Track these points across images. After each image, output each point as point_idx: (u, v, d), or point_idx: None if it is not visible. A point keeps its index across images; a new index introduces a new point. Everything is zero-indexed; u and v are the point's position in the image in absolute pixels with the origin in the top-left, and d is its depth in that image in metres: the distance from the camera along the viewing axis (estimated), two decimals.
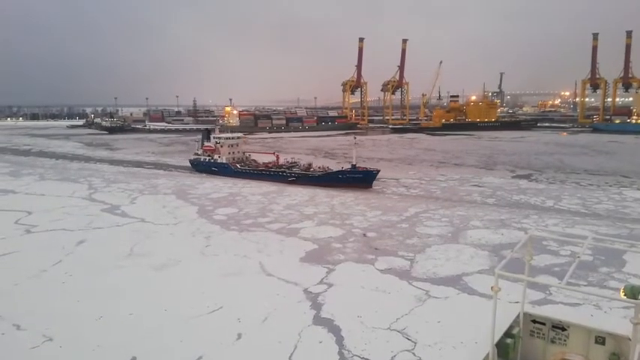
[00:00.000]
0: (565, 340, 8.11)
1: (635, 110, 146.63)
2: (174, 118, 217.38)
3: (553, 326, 8.22)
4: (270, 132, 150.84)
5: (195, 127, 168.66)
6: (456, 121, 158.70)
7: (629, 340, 6.93)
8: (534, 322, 8.39)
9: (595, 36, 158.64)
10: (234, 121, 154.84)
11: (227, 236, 29.09)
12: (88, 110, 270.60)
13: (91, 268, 22.96)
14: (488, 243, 27.15)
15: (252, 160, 64.60)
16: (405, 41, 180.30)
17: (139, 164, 74.09)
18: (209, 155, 64.36)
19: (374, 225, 31.71)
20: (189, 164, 68.10)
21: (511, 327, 8.02)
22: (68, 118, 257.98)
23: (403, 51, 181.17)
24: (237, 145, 66.08)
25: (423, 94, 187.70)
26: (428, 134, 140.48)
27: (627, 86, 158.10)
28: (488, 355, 6.98)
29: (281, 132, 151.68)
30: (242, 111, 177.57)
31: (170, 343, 15.55)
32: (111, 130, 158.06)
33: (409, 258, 24.41)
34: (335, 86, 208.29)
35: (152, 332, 16.28)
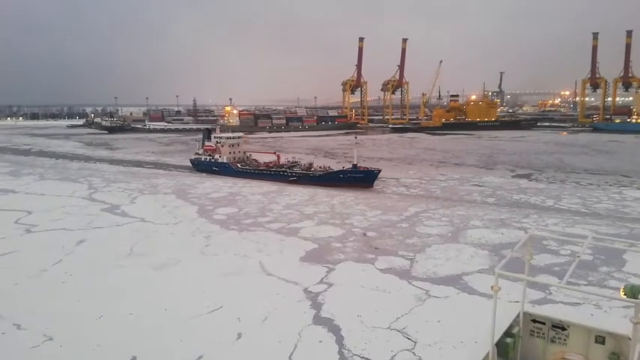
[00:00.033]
0: (565, 340, 8.11)
1: (635, 110, 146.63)
2: (174, 117, 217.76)
3: (553, 326, 8.22)
4: (270, 132, 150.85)
5: (195, 126, 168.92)
6: (456, 120, 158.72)
7: (629, 339, 6.94)
8: (534, 321, 8.39)
9: (595, 35, 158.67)
10: (234, 121, 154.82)
11: (227, 236, 29.10)
12: (88, 110, 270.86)
13: (91, 267, 22.97)
14: (488, 242, 27.15)
15: (253, 159, 64.61)
16: (405, 41, 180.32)
17: (138, 164, 74.09)
18: (210, 155, 64.38)
19: (374, 224, 31.71)
20: (189, 164, 68.11)
21: (511, 326, 8.02)
22: (68, 118, 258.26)
23: (403, 50, 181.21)
24: (238, 145, 66.10)
25: (423, 94, 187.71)
26: (428, 134, 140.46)
27: (627, 86, 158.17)
28: (488, 354, 6.98)
29: (281, 132, 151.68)
30: (242, 111, 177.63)
31: (170, 342, 15.55)
32: (111, 130, 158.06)
33: (409, 257, 24.41)
34: (335, 86, 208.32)
35: (152, 332, 16.28)
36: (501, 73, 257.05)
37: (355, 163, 52.78)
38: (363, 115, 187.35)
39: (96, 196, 42.25)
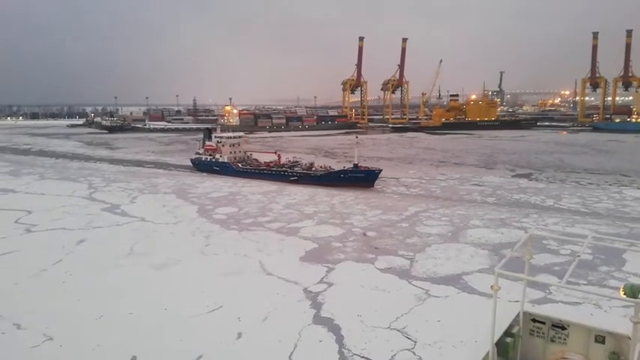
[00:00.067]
0: (565, 339, 8.11)
1: (635, 109, 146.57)
2: (174, 117, 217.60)
3: (553, 325, 8.21)
4: (270, 131, 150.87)
5: (195, 126, 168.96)
6: (456, 120, 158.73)
7: (629, 339, 6.93)
8: (534, 321, 8.39)
9: (595, 35, 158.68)
10: (234, 121, 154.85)
11: (227, 235, 29.09)
12: (88, 109, 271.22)
13: (91, 267, 22.96)
14: (488, 242, 27.15)
15: (254, 159, 64.61)
16: (404, 40, 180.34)
17: (139, 163, 74.09)
18: (211, 154, 64.40)
19: (374, 224, 31.71)
20: (189, 163, 68.13)
21: (511, 326, 8.02)
22: (68, 118, 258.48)
23: (403, 50, 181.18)
24: (239, 145, 66.10)
25: (423, 93, 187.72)
26: (428, 133, 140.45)
27: (627, 85, 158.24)
28: (488, 354, 6.97)
29: (281, 131, 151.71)
30: (242, 110, 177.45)
31: (170, 342, 15.55)
32: (111, 130, 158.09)
33: (409, 257, 24.41)
34: (335, 85, 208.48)
35: (152, 331, 16.28)
36: (501, 73, 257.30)
37: (356, 162, 52.78)
38: (363, 115, 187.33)
39: (96, 195, 42.25)
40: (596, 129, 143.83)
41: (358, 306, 18.09)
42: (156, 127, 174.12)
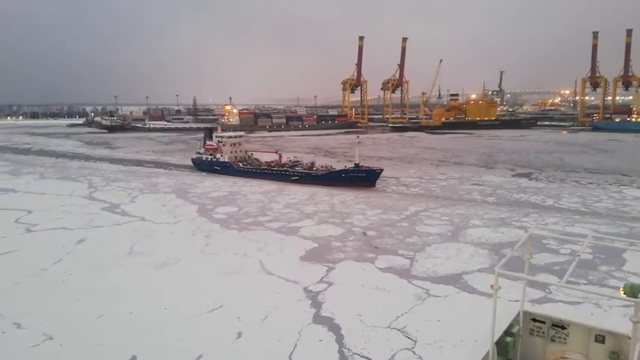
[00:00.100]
0: (565, 339, 8.11)
1: (635, 109, 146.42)
2: (174, 116, 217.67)
3: (553, 325, 8.21)
4: (270, 131, 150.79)
5: (195, 125, 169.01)
6: (456, 119, 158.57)
7: (629, 338, 6.93)
8: (534, 320, 8.38)
9: (595, 34, 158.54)
10: (234, 120, 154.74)
11: (227, 235, 29.11)
12: (88, 109, 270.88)
13: (91, 266, 22.98)
14: (488, 242, 27.16)
15: (255, 158, 64.60)
16: (404, 39, 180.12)
17: (139, 163, 74.06)
18: (211, 154, 64.37)
19: (374, 224, 31.72)
20: (189, 163, 68.10)
21: (511, 325, 8.02)
22: (68, 117, 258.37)
23: (403, 49, 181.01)
24: (240, 144, 66.08)
25: (423, 93, 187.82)
26: (428, 133, 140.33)
27: (627, 85, 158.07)
28: (488, 353, 6.97)
29: (281, 131, 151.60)
30: (242, 110, 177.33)
31: (170, 341, 15.56)
32: (111, 129, 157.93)
33: (409, 257, 24.42)
34: (335, 85, 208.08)
35: (152, 331, 16.29)
36: (501, 73, 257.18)
37: (357, 162, 52.75)
38: (363, 114, 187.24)
39: (96, 195, 42.26)
40: (596, 128, 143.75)
41: (358, 305, 18.10)
42: (156, 126, 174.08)
